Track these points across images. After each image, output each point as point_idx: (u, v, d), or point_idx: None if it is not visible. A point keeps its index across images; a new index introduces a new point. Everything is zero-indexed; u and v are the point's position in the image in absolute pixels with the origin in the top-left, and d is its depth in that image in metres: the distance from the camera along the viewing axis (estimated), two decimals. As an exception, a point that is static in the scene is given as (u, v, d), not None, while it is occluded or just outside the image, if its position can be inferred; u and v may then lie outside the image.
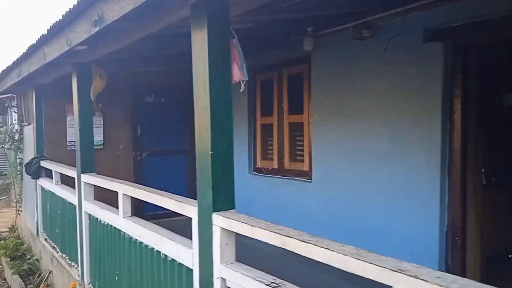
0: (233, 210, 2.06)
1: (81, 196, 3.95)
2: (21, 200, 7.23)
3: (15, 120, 7.26)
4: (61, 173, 4.90)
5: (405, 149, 3.79)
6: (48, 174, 5.59)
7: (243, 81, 2.25)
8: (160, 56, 5.22)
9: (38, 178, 5.74)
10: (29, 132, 6.36)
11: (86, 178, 3.89)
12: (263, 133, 5.81)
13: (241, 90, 2.31)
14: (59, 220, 4.85)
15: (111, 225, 3.32)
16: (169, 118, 6.83)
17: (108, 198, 3.80)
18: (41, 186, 5.73)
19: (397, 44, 3.76)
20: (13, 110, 7.81)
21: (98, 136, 6.23)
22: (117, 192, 3.16)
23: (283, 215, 5.12)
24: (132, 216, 3.09)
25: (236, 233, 1.96)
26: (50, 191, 5.22)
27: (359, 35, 4.02)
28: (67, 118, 6.00)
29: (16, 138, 6.94)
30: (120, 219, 3.11)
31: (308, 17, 4.18)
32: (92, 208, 3.74)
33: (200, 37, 2.03)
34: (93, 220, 3.75)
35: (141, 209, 6.16)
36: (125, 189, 3.05)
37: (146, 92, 6.66)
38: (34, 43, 3.67)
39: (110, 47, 3.44)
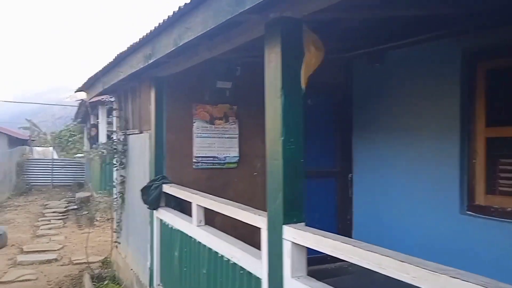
0: None
1: (281, 267, 2.11)
2: (120, 230, 5.66)
3: (117, 126, 5.72)
4: (205, 208, 3.14)
5: None
6: (171, 203, 3.90)
7: None
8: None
9: (156, 209, 4.07)
10: (139, 142, 4.76)
11: (296, 235, 2.03)
12: (490, 151, 3.74)
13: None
14: (205, 283, 3.05)
15: None
16: (315, 127, 4.97)
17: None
18: (162, 221, 4.02)
19: None
20: (112, 115, 6.32)
21: (233, 151, 4.50)
22: None
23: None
24: None
25: None
26: (184, 233, 3.44)
27: None
28: (193, 124, 4.32)
29: (117, 150, 5.38)
30: None
31: None
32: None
33: None
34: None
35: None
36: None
37: (290, 91, 4.81)
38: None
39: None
